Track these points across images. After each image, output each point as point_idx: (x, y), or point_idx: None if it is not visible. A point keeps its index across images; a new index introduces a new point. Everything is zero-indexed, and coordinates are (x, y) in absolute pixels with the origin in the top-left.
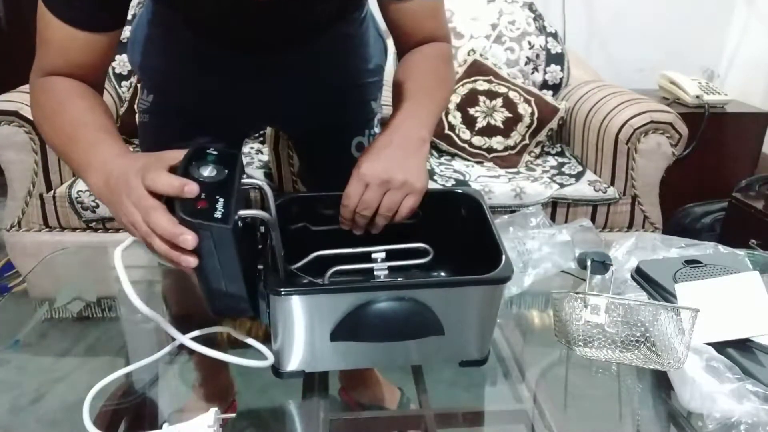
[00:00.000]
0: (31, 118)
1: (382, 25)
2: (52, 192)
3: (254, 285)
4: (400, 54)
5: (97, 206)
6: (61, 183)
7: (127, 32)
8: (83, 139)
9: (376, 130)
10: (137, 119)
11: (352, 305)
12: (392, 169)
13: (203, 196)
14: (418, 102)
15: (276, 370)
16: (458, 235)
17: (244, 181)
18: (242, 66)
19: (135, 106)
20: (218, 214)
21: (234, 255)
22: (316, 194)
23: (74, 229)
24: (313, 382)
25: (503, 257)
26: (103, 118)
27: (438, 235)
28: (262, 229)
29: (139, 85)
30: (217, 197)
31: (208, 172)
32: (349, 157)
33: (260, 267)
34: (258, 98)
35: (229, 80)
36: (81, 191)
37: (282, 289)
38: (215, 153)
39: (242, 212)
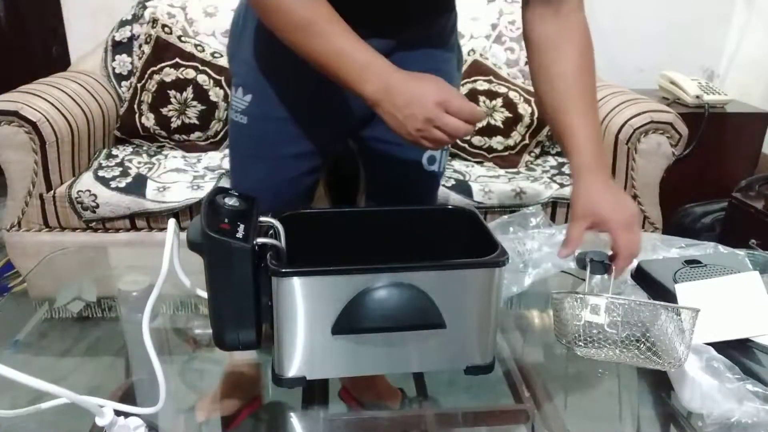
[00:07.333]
0: (31, 118)
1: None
2: (52, 192)
3: (260, 319)
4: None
5: (97, 206)
6: (61, 183)
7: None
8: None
9: None
10: (229, 117)
11: (354, 289)
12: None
13: (226, 220)
14: (601, 156)
15: (276, 377)
16: (457, 248)
17: (261, 219)
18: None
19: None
20: (239, 235)
21: (249, 277)
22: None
23: (74, 229)
24: (313, 382)
25: (499, 247)
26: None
27: (436, 251)
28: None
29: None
30: (239, 223)
31: (231, 202)
32: (420, 168)
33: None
34: (348, 104)
35: (319, 85)
36: (81, 191)
37: (284, 269)
38: (237, 194)
39: (260, 239)
